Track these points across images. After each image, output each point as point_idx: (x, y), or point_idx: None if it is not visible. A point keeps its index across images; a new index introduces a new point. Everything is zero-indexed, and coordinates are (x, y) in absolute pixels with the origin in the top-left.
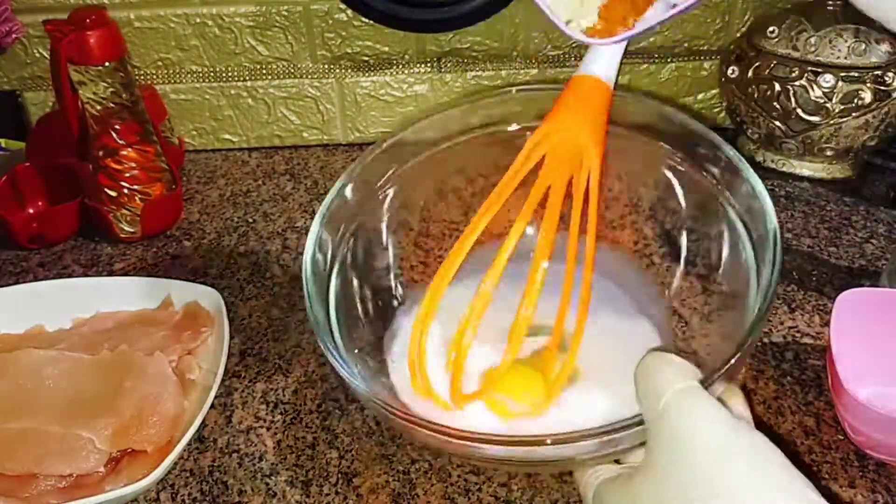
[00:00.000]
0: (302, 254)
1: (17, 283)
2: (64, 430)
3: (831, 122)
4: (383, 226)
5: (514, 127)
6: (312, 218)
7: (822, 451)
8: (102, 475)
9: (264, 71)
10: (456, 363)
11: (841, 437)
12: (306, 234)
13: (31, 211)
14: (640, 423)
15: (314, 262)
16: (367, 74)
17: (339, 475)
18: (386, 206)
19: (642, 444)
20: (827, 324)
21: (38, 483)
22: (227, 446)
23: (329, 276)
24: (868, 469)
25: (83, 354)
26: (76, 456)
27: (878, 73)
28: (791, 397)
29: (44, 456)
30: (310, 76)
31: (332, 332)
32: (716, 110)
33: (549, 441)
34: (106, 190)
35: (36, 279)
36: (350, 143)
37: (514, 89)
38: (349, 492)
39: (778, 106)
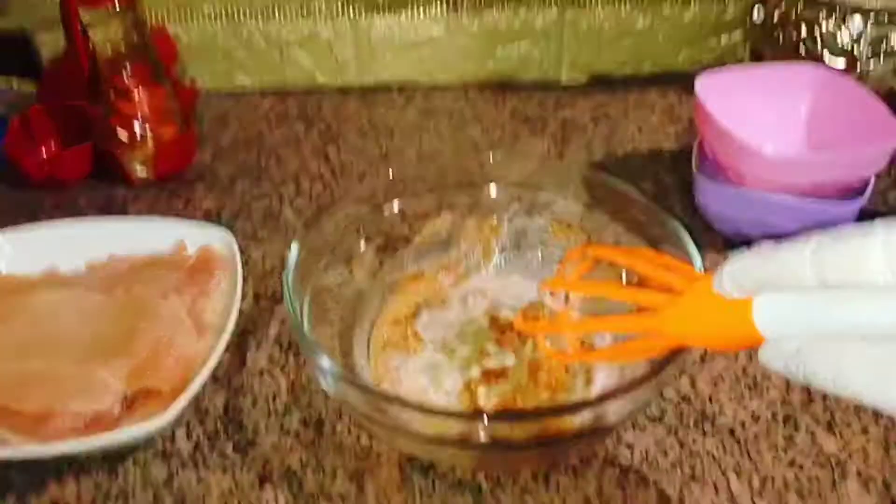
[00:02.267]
0: (316, 198)
1: (31, 224)
2: (80, 370)
3: (859, 67)
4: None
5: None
6: (326, 163)
7: (835, 398)
8: (118, 414)
9: (277, 12)
10: None
11: None
12: (320, 179)
13: (44, 152)
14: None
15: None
16: (381, 15)
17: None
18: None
19: None
20: None
21: (55, 421)
22: (242, 387)
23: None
24: (881, 416)
25: (98, 296)
26: (92, 395)
27: None
28: None
29: (60, 395)
30: (323, 17)
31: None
32: (739, 54)
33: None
34: (118, 132)
35: (50, 221)
36: (364, 87)
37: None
38: (362, 431)
39: (804, 50)
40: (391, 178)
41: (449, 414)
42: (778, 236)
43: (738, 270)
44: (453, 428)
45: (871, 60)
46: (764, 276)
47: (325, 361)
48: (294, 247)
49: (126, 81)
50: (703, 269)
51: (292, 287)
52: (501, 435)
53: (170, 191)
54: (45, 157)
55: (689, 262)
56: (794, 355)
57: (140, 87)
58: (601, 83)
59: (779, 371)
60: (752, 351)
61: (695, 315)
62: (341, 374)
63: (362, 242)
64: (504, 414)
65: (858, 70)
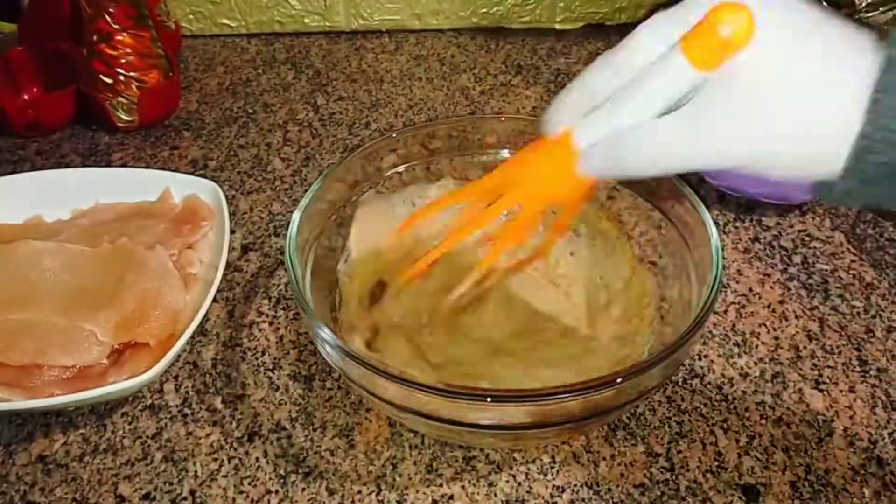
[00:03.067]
0: (304, 147)
1: (14, 171)
2: (66, 322)
3: (857, 16)
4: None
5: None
6: (314, 110)
7: (824, 356)
8: (105, 367)
9: None
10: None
11: (844, 343)
12: (308, 126)
13: (26, 97)
14: (591, 388)
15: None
16: None
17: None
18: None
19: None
20: (837, 227)
21: (41, 374)
22: (230, 340)
23: (308, 249)
24: (869, 374)
25: (83, 246)
26: (78, 348)
27: None
28: (797, 301)
29: (46, 347)
30: None
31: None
32: None
33: (488, 399)
34: (101, 77)
35: (34, 168)
36: (353, 31)
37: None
38: (351, 386)
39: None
40: (384, 134)
41: (458, 394)
42: (774, 193)
43: (557, 104)
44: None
45: (870, 11)
46: (578, 100)
47: (326, 333)
48: (295, 216)
49: (109, 23)
50: (714, 235)
51: (294, 256)
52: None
53: (155, 138)
54: (27, 101)
55: (703, 228)
56: (608, 154)
57: (123, 29)
58: (595, 30)
59: (599, 173)
60: (741, 308)
61: (530, 159)
62: (342, 347)
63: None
64: (512, 396)
65: (856, 20)
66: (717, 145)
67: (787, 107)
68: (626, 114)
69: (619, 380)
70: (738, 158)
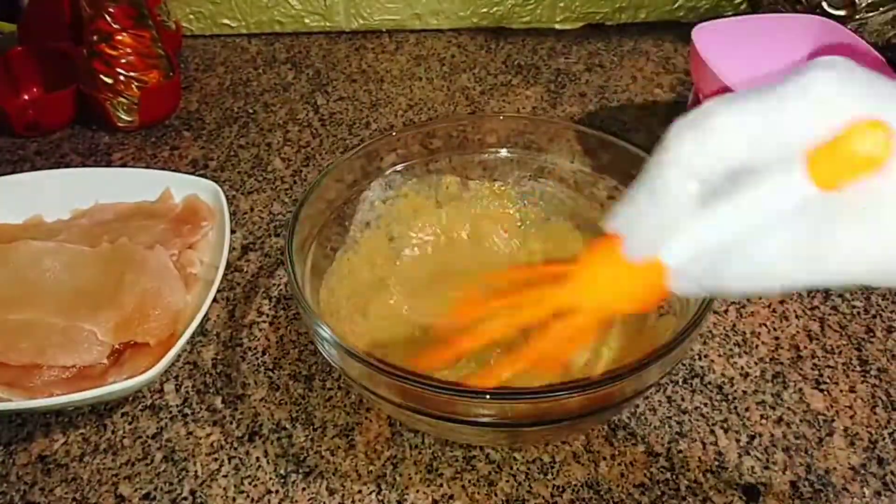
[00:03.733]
0: (304, 147)
1: (14, 171)
2: (66, 322)
3: (857, 16)
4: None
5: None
6: (314, 110)
7: (824, 356)
8: (106, 367)
9: None
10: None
11: (844, 343)
12: (308, 126)
13: (25, 97)
14: (590, 385)
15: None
16: None
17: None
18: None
19: None
20: None
21: (41, 374)
22: (230, 340)
23: (308, 249)
24: (869, 374)
25: (83, 246)
26: (78, 348)
27: None
28: (797, 301)
29: (46, 347)
30: None
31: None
32: (736, 4)
33: (488, 396)
34: (101, 77)
35: (34, 168)
36: (354, 31)
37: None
38: (352, 386)
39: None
40: (384, 133)
41: (458, 391)
42: None
43: (627, 223)
44: (462, 405)
45: (870, 11)
46: (649, 206)
47: (326, 332)
48: (294, 213)
49: (109, 23)
50: None
51: (294, 256)
52: (513, 413)
53: (155, 138)
54: (27, 101)
55: None
56: (706, 272)
57: (123, 29)
58: (595, 30)
59: (696, 293)
60: (741, 308)
61: (608, 278)
62: (342, 346)
63: (364, 206)
64: (513, 392)
65: (857, 21)
66: (839, 264)
67: None
68: (724, 226)
69: (617, 377)
70: (860, 275)
